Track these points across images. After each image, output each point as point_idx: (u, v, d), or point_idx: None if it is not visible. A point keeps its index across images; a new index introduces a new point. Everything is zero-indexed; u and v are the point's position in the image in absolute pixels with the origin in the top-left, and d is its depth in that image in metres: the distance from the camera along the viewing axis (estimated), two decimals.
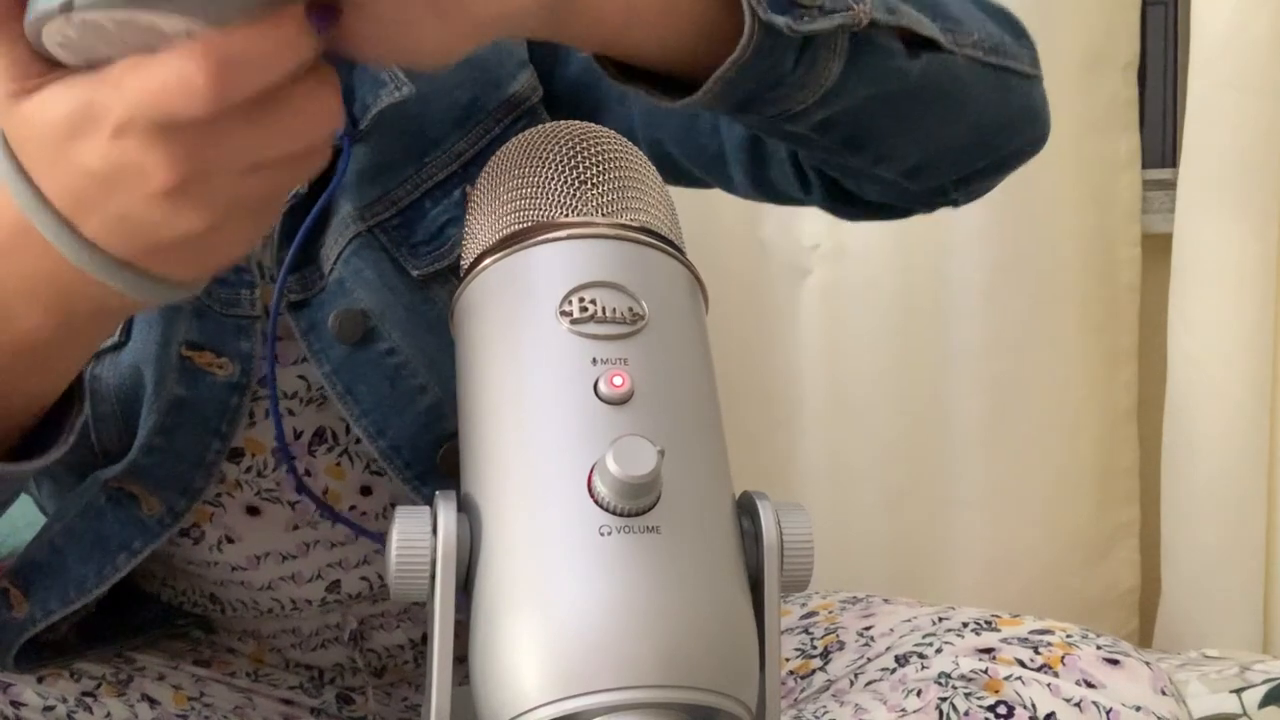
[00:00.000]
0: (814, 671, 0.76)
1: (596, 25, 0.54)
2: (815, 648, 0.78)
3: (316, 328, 0.73)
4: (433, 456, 0.75)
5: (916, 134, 0.69)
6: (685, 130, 0.78)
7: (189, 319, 0.72)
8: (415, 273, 0.74)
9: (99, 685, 0.79)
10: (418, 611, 0.84)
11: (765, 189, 0.78)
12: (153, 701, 0.80)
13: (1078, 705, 0.66)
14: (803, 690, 0.75)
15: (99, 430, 0.73)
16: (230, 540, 0.79)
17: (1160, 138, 1.49)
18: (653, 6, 0.54)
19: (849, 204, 0.77)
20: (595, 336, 0.45)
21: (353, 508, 0.79)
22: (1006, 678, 0.68)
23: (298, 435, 0.76)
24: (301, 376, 0.75)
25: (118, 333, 0.72)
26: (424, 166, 0.75)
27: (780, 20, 0.55)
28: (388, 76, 0.74)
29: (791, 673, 0.77)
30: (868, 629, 0.78)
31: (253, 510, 0.78)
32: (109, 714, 0.78)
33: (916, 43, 0.63)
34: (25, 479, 0.63)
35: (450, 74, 0.76)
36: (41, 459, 0.58)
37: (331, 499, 0.78)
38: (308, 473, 0.77)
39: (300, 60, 0.43)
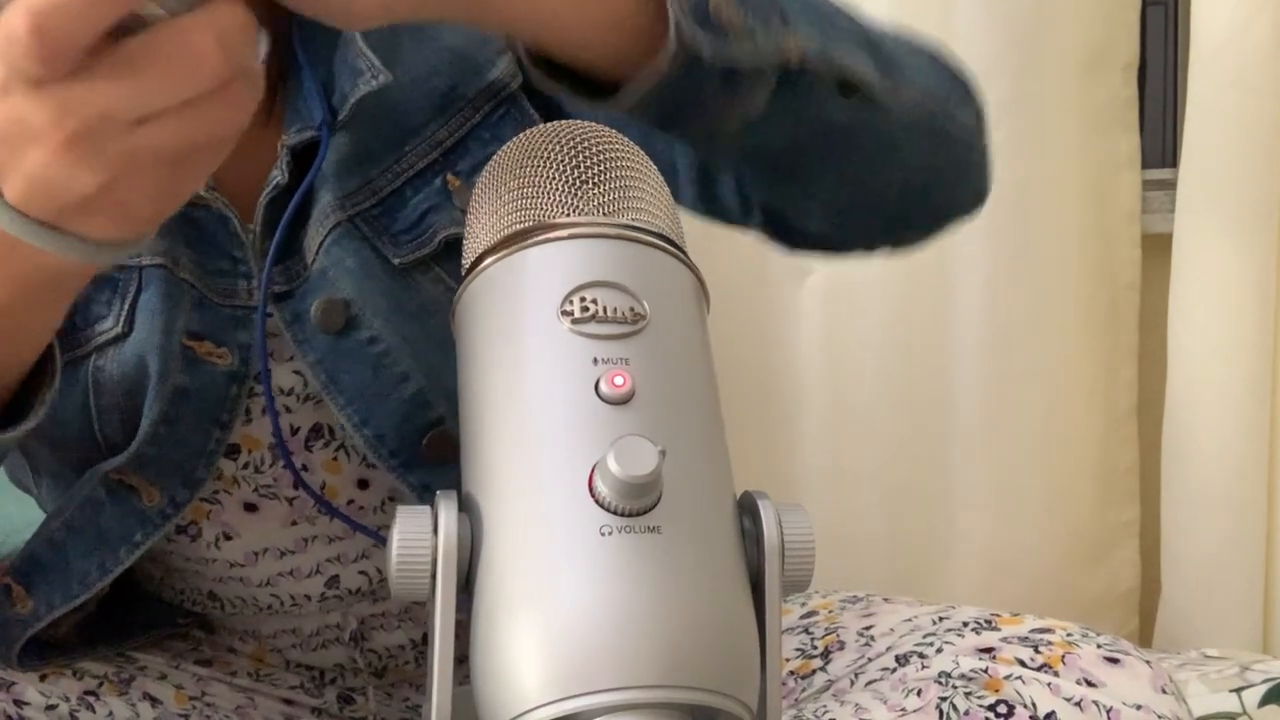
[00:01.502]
0: (814, 671, 0.76)
1: (521, 17, 0.55)
2: (815, 647, 0.78)
3: (300, 318, 0.74)
4: (417, 444, 0.75)
5: (843, 176, 0.69)
6: (642, 136, 0.77)
7: (189, 309, 0.73)
8: (396, 261, 0.74)
9: (101, 684, 0.79)
10: (418, 611, 0.84)
11: (713, 206, 0.78)
12: (154, 701, 0.81)
13: (1078, 704, 0.66)
14: (803, 690, 0.76)
15: (102, 421, 0.73)
16: (228, 537, 0.79)
17: (1160, 138, 1.49)
18: (575, 4, 0.55)
19: (788, 235, 0.76)
20: (596, 336, 0.45)
21: (350, 502, 0.79)
22: (1007, 677, 0.68)
23: (294, 431, 0.76)
24: (297, 372, 0.75)
25: (120, 324, 0.72)
26: (404, 155, 0.75)
27: (704, 41, 0.55)
28: (365, 65, 0.73)
29: (792, 673, 0.77)
30: (868, 629, 0.78)
31: (250, 507, 0.78)
32: (111, 713, 0.78)
33: (850, 85, 0.63)
34: (3, 448, 0.64)
35: (429, 61, 0.76)
36: (13, 431, 0.59)
37: (329, 494, 0.78)
38: (305, 468, 0.77)
39: (119, 12, 0.43)
